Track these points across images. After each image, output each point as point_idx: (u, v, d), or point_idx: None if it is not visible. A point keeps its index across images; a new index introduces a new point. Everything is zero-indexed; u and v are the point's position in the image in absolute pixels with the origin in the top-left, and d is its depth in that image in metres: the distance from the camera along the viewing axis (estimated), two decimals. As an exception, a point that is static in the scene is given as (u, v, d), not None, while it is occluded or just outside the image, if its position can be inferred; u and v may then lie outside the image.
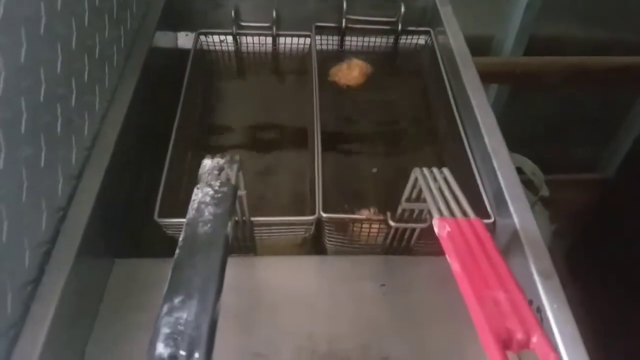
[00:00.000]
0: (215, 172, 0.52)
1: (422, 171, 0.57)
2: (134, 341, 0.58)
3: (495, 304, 0.39)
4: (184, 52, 0.92)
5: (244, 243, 0.69)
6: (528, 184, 1.53)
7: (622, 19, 1.46)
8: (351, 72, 0.93)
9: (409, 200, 0.60)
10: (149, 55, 0.82)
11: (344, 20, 0.94)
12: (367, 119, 0.90)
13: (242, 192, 0.60)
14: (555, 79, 1.49)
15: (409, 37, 0.97)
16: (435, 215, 0.50)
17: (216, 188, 0.49)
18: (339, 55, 0.97)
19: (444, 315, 0.62)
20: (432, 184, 0.54)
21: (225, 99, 0.93)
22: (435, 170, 0.56)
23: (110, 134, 0.69)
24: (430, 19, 0.96)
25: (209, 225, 0.45)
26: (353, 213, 0.70)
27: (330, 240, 0.68)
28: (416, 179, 0.57)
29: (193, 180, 0.51)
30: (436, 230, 0.49)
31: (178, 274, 0.40)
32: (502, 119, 1.58)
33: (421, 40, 0.97)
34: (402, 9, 0.93)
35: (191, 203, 0.47)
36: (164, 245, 0.65)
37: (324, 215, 0.63)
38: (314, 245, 0.73)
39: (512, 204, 0.63)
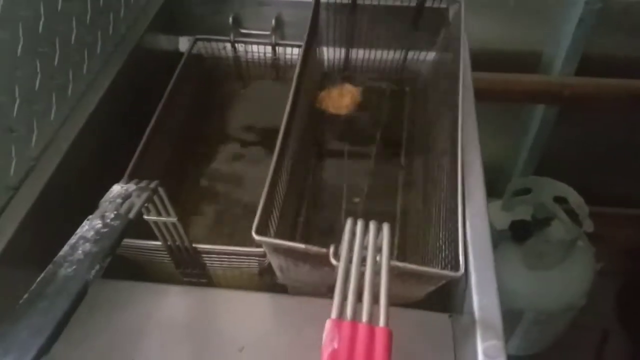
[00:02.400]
0: (119, 200, 0.48)
1: (353, 225, 0.48)
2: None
3: None
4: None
5: (193, 271, 0.65)
6: (572, 215, 1.40)
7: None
8: (342, 99, 0.86)
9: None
10: (137, 56, 0.80)
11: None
12: (355, 144, 0.84)
13: (172, 219, 0.55)
14: (609, 103, 1.34)
15: (417, 53, 0.89)
16: (333, 315, 0.39)
17: (107, 221, 0.45)
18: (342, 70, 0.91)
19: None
20: (357, 248, 0.45)
21: (214, 106, 0.90)
22: (371, 226, 0.47)
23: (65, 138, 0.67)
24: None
25: (74, 267, 0.40)
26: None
27: (281, 274, 0.62)
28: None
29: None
30: (323, 336, 0.38)
31: (7, 322, 0.36)
32: (549, 143, 1.48)
33: (429, 56, 0.88)
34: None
35: (72, 237, 0.43)
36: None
37: (256, 237, 0.57)
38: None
39: (474, 264, 0.54)
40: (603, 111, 1.40)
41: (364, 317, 0.39)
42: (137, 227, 0.53)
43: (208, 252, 0.62)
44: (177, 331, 0.60)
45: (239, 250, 0.61)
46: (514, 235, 1.32)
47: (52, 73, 0.64)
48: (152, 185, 0.50)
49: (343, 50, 0.90)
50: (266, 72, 0.94)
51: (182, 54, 0.88)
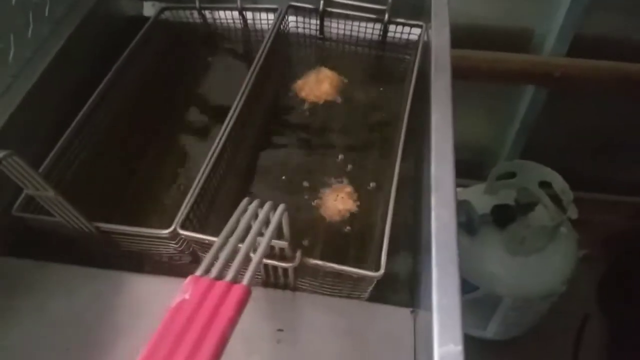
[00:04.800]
0: None
1: (247, 203, 0.45)
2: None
3: None
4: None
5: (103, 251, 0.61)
6: (556, 201, 1.36)
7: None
8: (320, 86, 0.80)
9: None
10: (93, 20, 0.75)
11: (321, 3, 0.81)
12: (326, 138, 0.78)
13: (48, 193, 0.51)
14: (601, 86, 1.29)
15: (399, 29, 0.83)
16: (197, 272, 0.38)
17: None
18: (318, 40, 0.85)
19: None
20: (243, 223, 0.43)
21: (175, 75, 0.84)
22: (266, 207, 0.45)
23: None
24: (428, 10, 0.81)
25: None
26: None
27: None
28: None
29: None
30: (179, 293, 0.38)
31: None
32: (537, 126, 1.44)
33: (413, 35, 0.83)
34: (391, -4, 0.79)
35: None
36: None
37: (182, 232, 0.53)
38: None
39: (436, 261, 0.50)
40: (594, 94, 1.36)
41: (229, 276, 0.38)
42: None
43: (113, 233, 0.57)
44: (115, 318, 0.56)
45: (143, 232, 0.56)
46: (495, 220, 1.29)
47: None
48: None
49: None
50: (235, 39, 0.88)
51: (145, 19, 0.82)
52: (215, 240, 0.42)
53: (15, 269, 0.59)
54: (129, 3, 0.86)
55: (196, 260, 0.61)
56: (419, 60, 0.75)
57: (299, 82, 0.82)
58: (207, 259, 0.39)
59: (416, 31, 0.83)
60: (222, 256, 0.39)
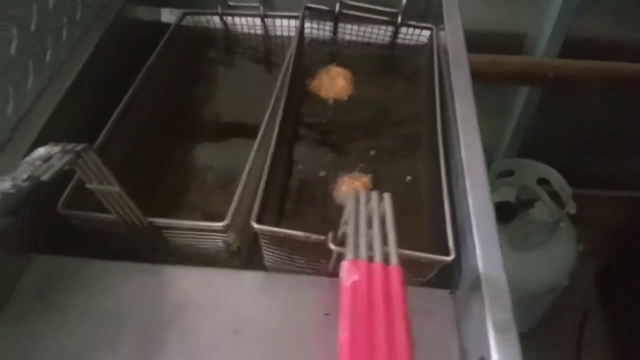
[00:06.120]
0: (38, 162, 0.43)
1: (357, 195, 0.47)
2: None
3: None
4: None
5: (149, 246, 0.61)
6: (555, 197, 1.40)
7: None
8: (335, 83, 0.83)
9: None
10: (119, 25, 0.76)
11: (337, 5, 0.84)
12: (346, 133, 0.80)
13: (114, 189, 0.51)
14: (593, 85, 1.34)
15: (409, 31, 0.86)
16: (349, 256, 0.41)
17: (17, 182, 0.40)
18: (331, 44, 0.88)
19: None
20: (363, 212, 0.45)
21: (198, 80, 0.86)
22: (374, 196, 0.47)
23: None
24: (435, 14, 0.85)
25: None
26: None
27: (268, 254, 0.60)
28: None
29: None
30: (341, 274, 0.40)
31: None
32: (532, 126, 1.48)
33: (422, 37, 0.86)
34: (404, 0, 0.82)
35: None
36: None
37: (256, 226, 0.55)
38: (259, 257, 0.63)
39: (478, 238, 0.53)
40: (587, 93, 1.41)
41: (377, 257, 0.41)
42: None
43: (165, 227, 0.58)
44: (164, 313, 0.57)
45: (197, 226, 0.57)
46: (497, 217, 1.32)
47: (28, 39, 0.60)
48: (79, 147, 0.46)
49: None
50: (256, 45, 0.90)
51: (165, 25, 0.84)
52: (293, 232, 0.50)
53: (58, 266, 0.60)
54: (148, 9, 0.88)
55: (239, 253, 0.62)
56: (437, 60, 0.78)
57: (315, 82, 0.85)
58: (351, 244, 0.43)
59: (426, 33, 0.87)
60: (362, 242, 0.43)
